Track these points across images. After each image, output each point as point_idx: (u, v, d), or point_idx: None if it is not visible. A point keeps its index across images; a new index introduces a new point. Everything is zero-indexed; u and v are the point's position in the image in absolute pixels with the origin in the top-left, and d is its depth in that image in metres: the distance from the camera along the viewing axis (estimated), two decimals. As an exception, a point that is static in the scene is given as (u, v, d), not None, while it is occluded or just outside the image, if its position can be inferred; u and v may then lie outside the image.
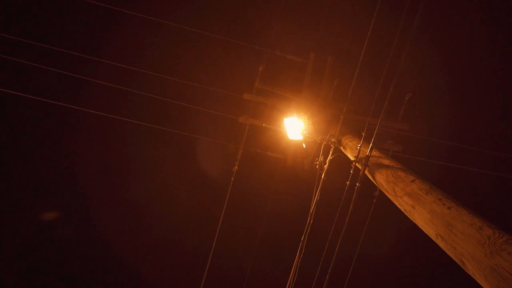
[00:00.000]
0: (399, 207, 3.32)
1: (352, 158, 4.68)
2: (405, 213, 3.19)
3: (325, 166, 5.34)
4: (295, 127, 6.00)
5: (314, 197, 5.33)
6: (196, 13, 8.71)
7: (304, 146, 6.41)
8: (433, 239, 2.72)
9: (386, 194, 3.67)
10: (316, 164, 5.41)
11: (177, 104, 7.31)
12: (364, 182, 4.58)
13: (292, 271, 5.52)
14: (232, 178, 7.37)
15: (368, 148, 4.12)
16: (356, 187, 4.17)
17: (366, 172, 4.21)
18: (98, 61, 7.12)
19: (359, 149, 4.39)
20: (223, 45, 8.67)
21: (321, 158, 5.39)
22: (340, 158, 5.47)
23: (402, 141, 7.45)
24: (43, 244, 10.94)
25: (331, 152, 5.32)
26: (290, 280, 5.52)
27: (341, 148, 5.48)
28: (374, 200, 7.21)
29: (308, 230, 5.35)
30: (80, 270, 11.27)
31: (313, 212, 5.30)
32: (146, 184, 10.86)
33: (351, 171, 4.46)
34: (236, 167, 7.33)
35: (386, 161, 3.96)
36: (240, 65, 8.79)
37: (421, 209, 2.90)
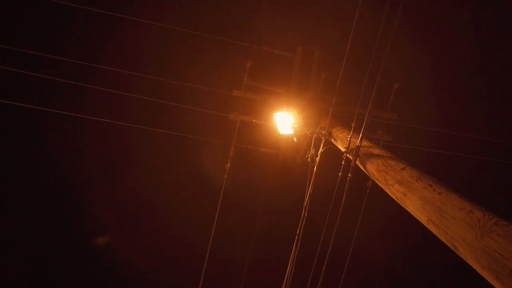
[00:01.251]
0: (391, 195, 3.36)
1: (343, 150, 4.72)
2: (397, 201, 3.23)
3: (316, 158, 5.38)
4: (285, 121, 6.02)
5: (308, 190, 5.37)
6: (181, 13, 8.68)
7: (295, 140, 6.44)
8: (425, 225, 2.77)
9: (378, 183, 3.72)
10: (307, 157, 5.44)
11: (166, 104, 7.30)
12: (357, 172, 4.63)
13: (289, 263, 5.57)
14: (225, 176, 7.38)
15: (358, 138, 4.16)
16: (348, 178, 4.21)
17: (357, 162, 4.25)
18: (85, 65, 7.06)
19: (349, 140, 4.43)
20: (210, 43, 8.66)
21: (312, 151, 5.42)
22: (332, 150, 5.51)
23: (392, 130, 7.52)
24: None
25: (322, 145, 5.35)
26: (288, 272, 5.56)
27: (332, 140, 5.52)
28: (368, 190, 7.28)
29: (303, 223, 5.39)
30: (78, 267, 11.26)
31: (307, 205, 5.34)
32: (139, 186, 10.85)
33: (343, 162, 4.49)
34: (228, 165, 7.35)
35: (376, 151, 4.01)
36: (228, 63, 8.79)
37: (412, 196, 2.94)
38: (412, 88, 9.54)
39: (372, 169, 3.85)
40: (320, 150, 5.43)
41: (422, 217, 2.79)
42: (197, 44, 8.83)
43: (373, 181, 4.39)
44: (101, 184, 10.69)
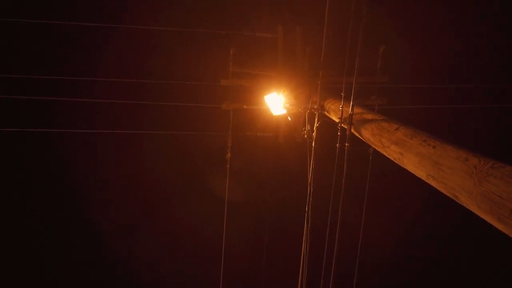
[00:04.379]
0: (388, 157, 3.37)
1: (337, 120, 4.71)
2: (395, 162, 3.23)
3: (313, 134, 5.38)
4: (276, 102, 6.01)
5: (309, 167, 5.39)
6: (154, 10, 8.59)
7: (290, 119, 6.42)
8: (425, 180, 2.77)
9: (375, 147, 3.72)
10: (304, 134, 5.44)
11: (155, 105, 7.27)
12: (357, 141, 4.63)
13: (303, 241, 5.61)
14: (228, 166, 7.40)
15: (350, 107, 4.15)
16: (345, 148, 4.21)
17: (352, 130, 4.25)
18: (67, 80, 7.03)
19: (342, 109, 4.41)
20: (188, 37, 8.59)
21: (307, 127, 5.42)
22: (327, 123, 5.50)
23: (386, 93, 7.48)
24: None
25: (316, 119, 5.34)
26: (304, 249, 5.61)
27: (325, 113, 5.51)
28: (371, 157, 7.29)
29: (310, 199, 5.41)
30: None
31: (311, 181, 5.35)
32: (143, 193, 10.95)
33: (339, 133, 4.49)
34: (229, 154, 7.35)
35: (369, 116, 4.00)
36: (210, 54, 8.72)
37: (408, 154, 2.94)
38: (399, 47, 9.45)
39: (367, 134, 3.85)
40: (315, 124, 5.42)
41: (421, 173, 2.80)
42: (176, 40, 8.77)
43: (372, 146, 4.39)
44: (108, 190, 10.80)
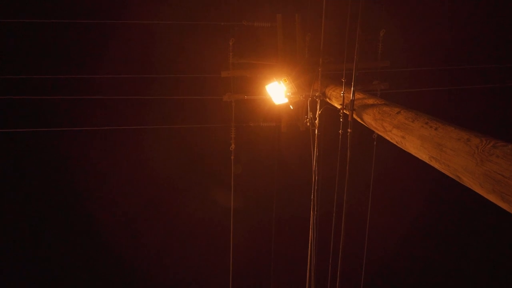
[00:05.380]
0: (391, 141, 3.36)
1: (338, 107, 4.70)
2: (398, 145, 3.23)
3: (316, 121, 5.37)
4: (278, 91, 5.99)
5: (313, 154, 5.39)
6: (152, 4, 8.55)
7: (292, 108, 6.41)
8: (428, 163, 2.77)
9: (377, 132, 3.71)
10: (306, 122, 5.44)
11: (157, 99, 7.28)
12: (360, 127, 4.62)
13: (310, 228, 5.64)
14: (232, 157, 7.42)
15: (351, 93, 4.14)
16: (348, 134, 4.21)
17: (354, 116, 4.24)
18: (67, 78, 7.06)
19: (343, 96, 4.40)
20: (187, 30, 8.54)
21: (310, 115, 5.41)
22: (330, 110, 5.50)
23: (388, 78, 7.43)
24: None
25: (318, 107, 5.33)
26: (311, 236, 5.64)
27: (327, 100, 5.49)
28: (375, 143, 7.27)
29: (316, 187, 5.43)
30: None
31: (316, 169, 5.36)
32: (147, 187, 10.97)
33: (341, 119, 4.48)
34: (233, 146, 7.37)
35: (370, 101, 3.99)
36: (209, 46, 8.68)
37: (410, 137, 2.94)
38: (400, 30, 9.35)
39: (369, 119, 3.84)
40: (317, 112, 5.41)
41: (423, 156, 2.79)
42: (174, 34, 8.73)
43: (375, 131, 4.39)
44: (112, 185, 10.85)
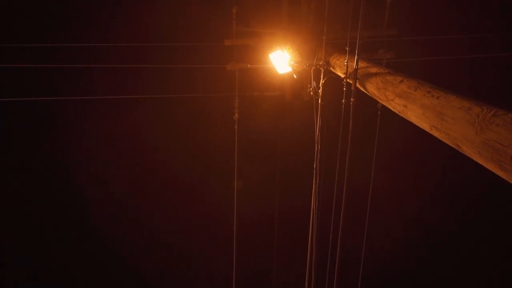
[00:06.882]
0: (393, 110, 3.34)
1: (342, 76, 4.65)
2: (400, 115, 3.21)
3: (319, 91, 5.33)
4: (281, 60, 5.92)
5: (316, 124, 5.38)
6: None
7: (295, 77, 6.33)
8: (429, 132, 2.76)
9: (380, 101, 3.68)
10: (310, 91, 5.40)
11: (160, 68, 7.20)
12: (364, 97, 4.57)
13: (312, 199, 5.70)
14: (236, 126, 7.41)
15: (355, 61, 4.08)
16: (351, 103, 4.18)
17: (357, 85, 4.20)
18: (65, 47, 6.99)
19: (346, 64, 4.34)
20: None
21: (313, 84, 5.36)
22: (334, 79, 5.43)
23: (395, 47, 7.28)
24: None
25: (322, 76, 5.28)
26: (313, 208, 5.70)
27: (331, 69, 5.43)
28: (379, 112, 7.22)
29: (318, 156, 5.44)
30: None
31: (319, 138, 5.36)
32: (146, 159, 10.95)
33: (344, 89, 4.44)
34: (236, 115, 7.35)
35: (373, 70, 3.93)
36: (212, 14, 8.51)
37: (412, 106, 2.91)
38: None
39: (372, 88, 3.80)
40: (321, 81, 5.36)
41: (424, 125, 2.78)
42: (176, 2, 8.54)
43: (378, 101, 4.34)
44: (116, 161, 10.87)
